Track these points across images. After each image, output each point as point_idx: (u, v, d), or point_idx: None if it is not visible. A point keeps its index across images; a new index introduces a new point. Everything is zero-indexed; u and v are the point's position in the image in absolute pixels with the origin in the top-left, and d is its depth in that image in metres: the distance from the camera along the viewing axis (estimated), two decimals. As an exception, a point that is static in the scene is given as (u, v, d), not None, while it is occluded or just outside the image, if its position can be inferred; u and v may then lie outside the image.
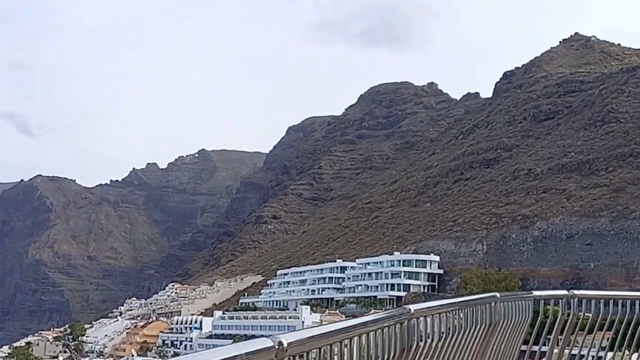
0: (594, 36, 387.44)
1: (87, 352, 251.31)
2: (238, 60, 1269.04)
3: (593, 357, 12.70)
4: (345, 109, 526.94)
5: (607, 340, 12.94)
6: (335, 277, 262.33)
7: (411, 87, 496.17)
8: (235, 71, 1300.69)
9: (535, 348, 12.50)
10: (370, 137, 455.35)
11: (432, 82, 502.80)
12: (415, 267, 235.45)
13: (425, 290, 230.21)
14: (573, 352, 12.27)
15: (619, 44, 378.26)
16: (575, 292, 11.94)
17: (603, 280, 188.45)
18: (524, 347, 11.68)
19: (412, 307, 7.39)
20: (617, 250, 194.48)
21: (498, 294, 10.16)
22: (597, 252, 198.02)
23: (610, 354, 12.31)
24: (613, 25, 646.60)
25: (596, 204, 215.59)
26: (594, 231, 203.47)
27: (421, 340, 7.67)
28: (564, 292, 11.97)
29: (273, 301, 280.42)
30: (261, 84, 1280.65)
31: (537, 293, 11.61)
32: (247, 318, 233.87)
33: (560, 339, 12.22)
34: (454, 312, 8.61)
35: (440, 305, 8.21)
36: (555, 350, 12.18)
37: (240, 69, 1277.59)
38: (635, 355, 12.60)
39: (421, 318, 7.62)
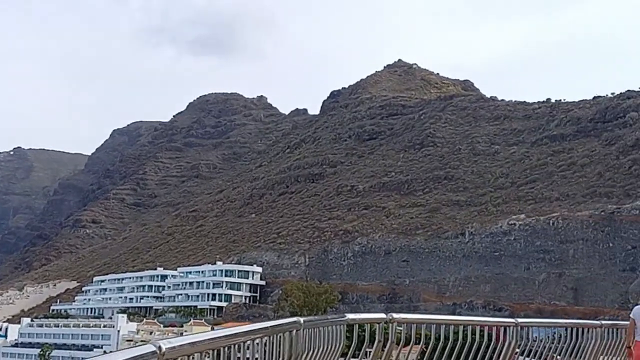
0: (415, 64, 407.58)
1: None
2: (62, 60, 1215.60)
3: None
4: (174, 116, 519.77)
5: (421, 354, 12.35)
6: (155, 286, 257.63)
7: (241, 99, 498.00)
8: (57, 70, 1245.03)
9: None
10: (197, 145, 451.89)
11: (261, 96, 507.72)
12: (238, 277, 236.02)
13: (247, 301, 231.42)
14: None
15: (437, 73, 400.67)
16: (395, 315, 10.88)
17: (417, 296, 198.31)
18: None
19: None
20: (431, 267, 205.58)
21: (302, 319, 8.73)
22: (413, 268, 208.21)
23: None
24: (433, 55, 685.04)
25: (413, 222, 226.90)
26: (410, 248, 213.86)
27: None
28: (382, 315, 10.82)
29: (88, 309, 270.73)
30: (85, 85, 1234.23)
31: (351, 316, 10.32)
32: (58, 326, 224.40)
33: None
34: (234, 346, 6.79)
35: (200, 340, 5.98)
36: None
37: (64, 69, 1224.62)
38: None
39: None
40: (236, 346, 6.81)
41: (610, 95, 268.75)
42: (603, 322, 18.63)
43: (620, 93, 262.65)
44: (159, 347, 5.01)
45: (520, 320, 14.22)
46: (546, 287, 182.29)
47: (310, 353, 9.11)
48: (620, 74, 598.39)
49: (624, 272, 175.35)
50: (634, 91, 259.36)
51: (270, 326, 8.07)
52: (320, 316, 11.92)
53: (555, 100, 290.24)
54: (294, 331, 8.57)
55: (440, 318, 13.59)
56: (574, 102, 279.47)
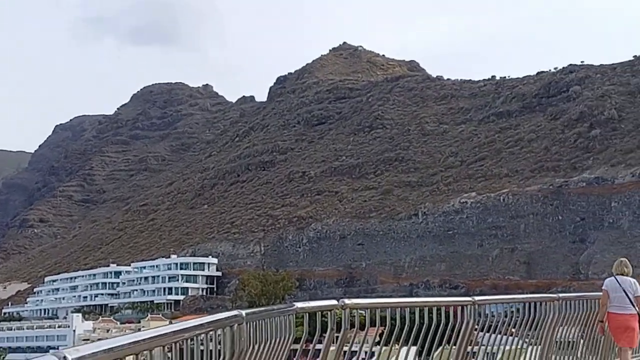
0: (360, 46, 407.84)
1: None
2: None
3: (366, 352, 11.69)
4: (118, 109, 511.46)
5: (380, 336, 11.93)
6: (109, 283, 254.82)
7: (186, 89, 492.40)
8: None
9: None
10: (144, 137, 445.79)
11: (207, 84, 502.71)
12: (193, 269, 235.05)
13: (204, 293, 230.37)
14: (346, 348, 10.82)
15: (383, 55, 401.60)
16: (347, 301, 10.49)
17: (374, 278, 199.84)
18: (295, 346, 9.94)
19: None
20: (386, 249, 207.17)
21: (243, 312, 8.15)
22: (368, 251, 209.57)
23: (382, 348, 11.59)
24: (378, 37, 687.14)
25: (366, 205, 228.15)
26: (364, 232, 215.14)
27: None
28: (334, 302, 10.41)
29: (41, 310, 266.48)
30: (23, 80, 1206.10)
31: (299, 305, 9.83)
32: (11, 329, 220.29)
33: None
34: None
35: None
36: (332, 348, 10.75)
37: (0, 65, 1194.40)
38: (404, 349, 12.10)
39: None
40: (165, 348, 6.15)
41: (553, 70, 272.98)
42: (560, 294, 18.66)
43: (563, 67, 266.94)
44: (64, 358, 4.36)
45: (477, 298, 14.12)
46: (500, 263, 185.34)
47: (256, 348, 8.47)
48: (563, 49, 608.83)
49: (573, 244, 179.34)
50: (576, 65, 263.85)
51: (207, 322, 7.26)
52: (265, 307, 10.97)
53: (500, 78, 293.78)
54: (235, 325, 7.88)
55: (396, 301, 13.20)
56: (518, 78, 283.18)
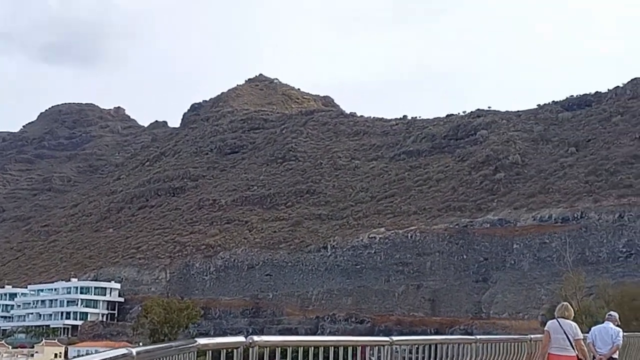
0: (276, 79, 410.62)
1: None
2: None
3: None
4: (23, 126, 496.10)
5: None
6: (3, 305, 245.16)
7: (97, 110, 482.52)
8: None
9: None
10: (50, 157, 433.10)
11: (119, 107, 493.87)
12: (94, 294, 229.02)
13: (105, 319, 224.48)
14: None
15: (298, 89, 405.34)
16: (255, 338, 9.59)
17: (280, 310, 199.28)
18: None
19: None
20: (294, 281, 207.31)
21: (134, 350, 7.07)
22: (276, 282, 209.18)
23: None
24: (294, 71, 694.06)
25: (276, 236, 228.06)
26: (273, 262, 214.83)
27: None
28: (241, 339, 9.51)
29: None
30: None
31: (202, 342, 8.81)
32: None
33: None
34: None
35: None
36: None
37: None
38: None
39: None
40: None
41: (462, 113, 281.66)
42: (478, 337, 19.32)
43: (471, 112, 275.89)
44: None
45: (395, 338, 13.72)
46: (405, 299, 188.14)
47: None
48: (471, 94, 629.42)
49: (477, 283, 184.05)
50: (484, 110, 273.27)
51: None
52: (161, 344, 9.32)
53: (412, 118, 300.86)
54: None
55: (309, 339, 12.83)
56: (428, 119, 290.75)
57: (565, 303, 19.96)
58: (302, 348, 10.68)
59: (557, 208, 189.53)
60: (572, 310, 19.70)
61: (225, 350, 9.14)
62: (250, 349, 9.31)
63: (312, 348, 10.93)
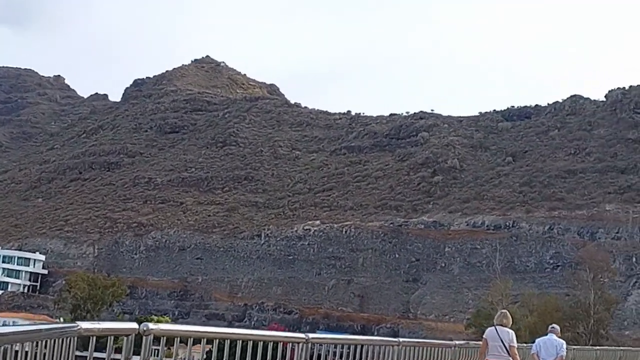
0: (223, 62, 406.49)
1: None
2: None
3: None
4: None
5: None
6: None
7: (35, 76, 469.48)
8: None
9: None
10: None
11: (59, 75, 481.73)
12: (17, 264, 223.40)
13: (26, 291, 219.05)
14: None
15: (244, 74, 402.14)
16: (151, 326, 8.48)
17: (209, 294, 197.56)
18: None
19: None
20: (225, 266, 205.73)
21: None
22: (206, 266, 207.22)
23: None
24: (241, 55, 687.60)
25: (210, 220, 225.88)
26: (205, 246, 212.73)
27: None
28: (133, 325, 8.39)
29: None
30: None
31: (85, 325, 7.59)
32: None
33: None
34: None
35: None
36: None
37: None
38: None
39: None
40: None
41: (405, 113, 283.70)
42: (401, 339, 19.13)
43: (414, 113, 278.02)
44: None
45: (311, 335, 12.55)
46: (335, 293, 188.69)
47: None
48: (414, 95, 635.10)
49: (407, 283, 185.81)
50: (427, 112, 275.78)
51: None
52: (28, 326, 7.43)
53: (355, 113, 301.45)
54: None
55: (215, 331, 10.92)
56: (372, 116, 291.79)
57: (504, 311, 20.37)
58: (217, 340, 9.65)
59: (490, 215, 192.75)
60: (510, 318, 19.95)
61: (112, 337, 7.91)
62: (145, 338, 8.17)
63: (217, 341, 9.66)
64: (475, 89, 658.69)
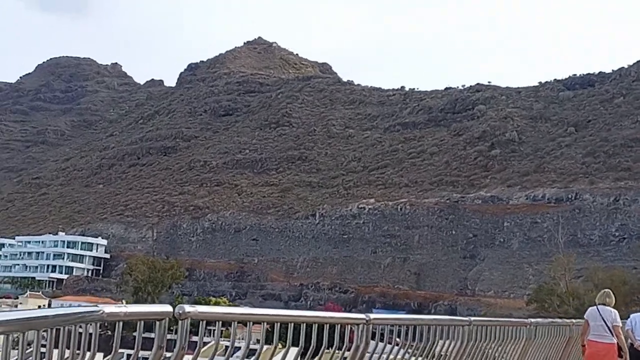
0: (275, 42, 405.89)
1: None
2: None
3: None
4: (20, 77, 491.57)
5: None
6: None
7: (94, 65, 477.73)
8: None
9: None
10: (45, 110, 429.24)
11: (116, 63, 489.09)
12: (81, 249, 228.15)
13: (90, 274, 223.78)
14: None
15: (297, 54, 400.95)
16: (188, 308, 6.87)
17: (265, 275, 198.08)
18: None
19: None
20: (280, 247, 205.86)
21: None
22: (262, 247, 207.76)
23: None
24: (293, 35, 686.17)
25: (264, 201, 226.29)
26: (260, 227, 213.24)
27: None
28: (167, 307, 7.12)
29: None
30: None
31: (109, 310, 6.25)
32: None
33: None
34: None
35: None
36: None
37: None
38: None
39: None
40: None
41: (461, 87, 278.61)
42: (472, 318, 17.35)
43: (470, 86, 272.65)
44: None
45: (372, 316, 11.02)
46: (391, 271, 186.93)
47: None
48: (471, 68, 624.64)
49: (464, 259, 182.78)
50: (483, 85, 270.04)
51: None
52: (40, 310, 5.73)
53: (409, 89, 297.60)
54: None
55: (263, 313, 9.55)
56: (426, 91, 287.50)
57: (607, 290, 20.08)
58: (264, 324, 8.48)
59: (552, 188, 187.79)
60: (614, 297, 19.67)
61: (142, 322, 6.77)
62: (180, 322, 7.05)
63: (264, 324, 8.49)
64: (534, 58, 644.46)
